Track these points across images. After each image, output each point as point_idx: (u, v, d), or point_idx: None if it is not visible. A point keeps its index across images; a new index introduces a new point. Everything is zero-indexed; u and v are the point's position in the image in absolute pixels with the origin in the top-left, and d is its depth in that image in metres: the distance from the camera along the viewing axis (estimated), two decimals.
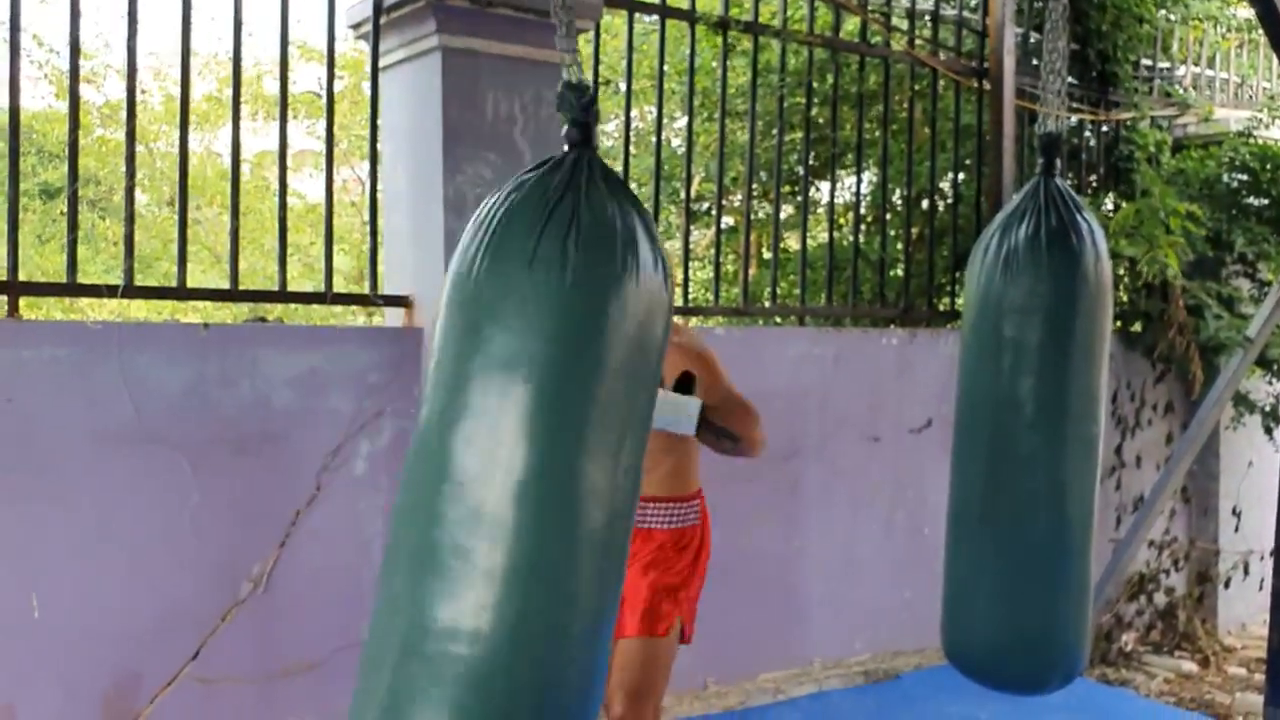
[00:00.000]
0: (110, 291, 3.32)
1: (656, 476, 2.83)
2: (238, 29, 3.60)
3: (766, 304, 5.32)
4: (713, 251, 5.23)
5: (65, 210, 3.67)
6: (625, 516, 1.94)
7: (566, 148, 1.98)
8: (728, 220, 6.68)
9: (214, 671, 3.38)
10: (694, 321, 5.03)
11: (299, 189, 9.86)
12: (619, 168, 5.76)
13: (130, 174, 3.40)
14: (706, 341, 2.99)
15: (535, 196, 1.90)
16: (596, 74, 4.39)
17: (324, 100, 3.98)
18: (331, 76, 3.85)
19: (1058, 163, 2.93)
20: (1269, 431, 5.77)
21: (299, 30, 11.83)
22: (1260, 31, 4.86)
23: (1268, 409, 5.79)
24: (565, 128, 1.99)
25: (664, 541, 2.90)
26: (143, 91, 8.88)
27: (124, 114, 3.50)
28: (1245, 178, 5.81)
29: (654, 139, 4.68)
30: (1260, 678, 4.94)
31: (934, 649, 4.81)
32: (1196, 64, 6.41)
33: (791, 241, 6.42)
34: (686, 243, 4.75)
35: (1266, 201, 5.78)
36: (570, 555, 1.87)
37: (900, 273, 5.51)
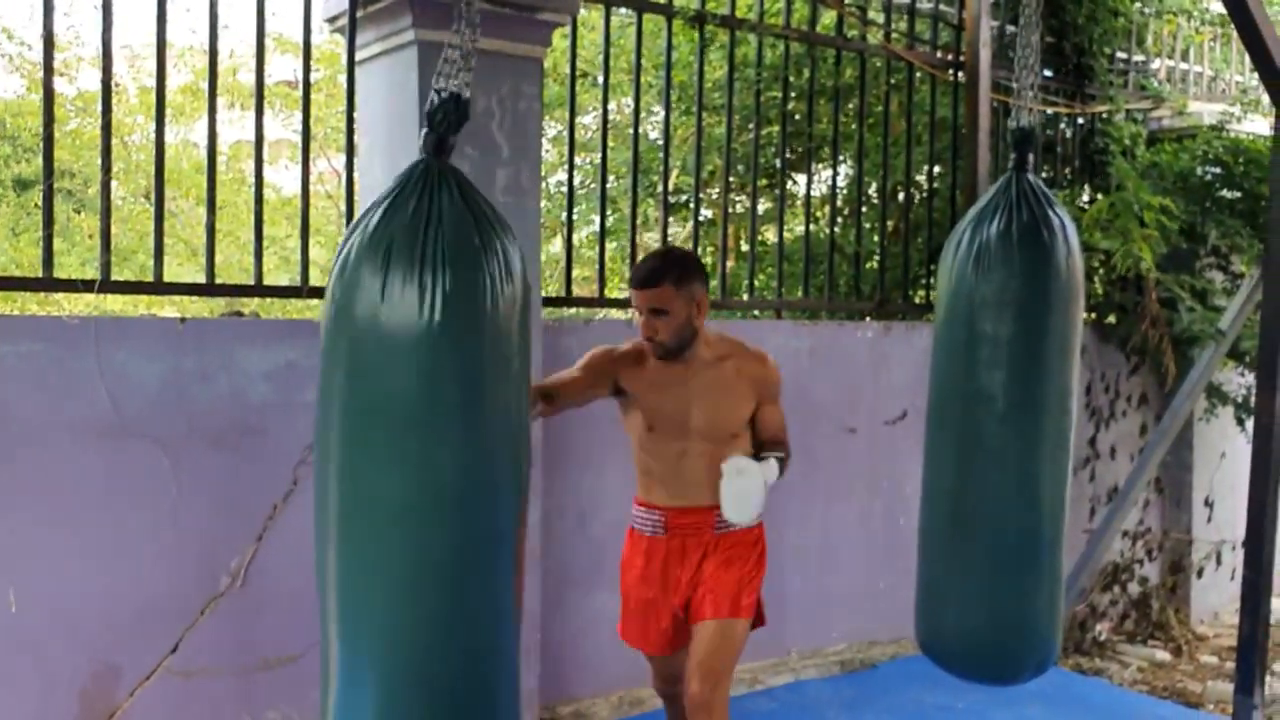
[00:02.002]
0: (87, 286, 3.31)
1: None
2: (213, 20, 3.58)
3: (744, 297, 5.35)
4: (691, 245, 5.25)
5: (40, 203, 3.66)
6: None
7: (423, 155, 2.09)
8: (705, 214, 6.69)
9: (193, 664, 3.38)
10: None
11: (274, 181, 9.83)
12: (597, 160, 5.77)
13: (106, 169, 3.39)
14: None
15: (390, 229, 1.99)
16: (574, 68, 4.40)
17: (299, 92, 3.97)
18: (307, 69, 3.84)
19: (1030, 157, 2.96)
20: (1241, 423, 5.83)
21: (274, 23, 11.79)
22: (1233, 25, 4.92)
23: (1240, 400, 5.85)
24: (424, 134, 2.08)
25: (740, 539, 3.14)
26: (117, 84, 8.81)
27: (98, 106, 3.49)
28: (1218, 171, 5.86)
29: (631, 132, 4.69)
30: (1231, 666, 5.00)
31: (910, 639, 4.83)
32: (1171, 57, 6.46)
33: (769, 235, 6.44)
34: (665, 236, 4.76)
35: (1239, 194, 5.83)
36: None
37: (876, 266, 5.53)
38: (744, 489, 2.84)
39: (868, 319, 5.26)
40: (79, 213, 8.97)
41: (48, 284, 3.33)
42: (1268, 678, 4.57)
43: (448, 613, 2.03)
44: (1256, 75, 5.86)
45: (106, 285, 3.33)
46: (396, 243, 1.95)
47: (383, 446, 1.98)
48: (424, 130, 2.08)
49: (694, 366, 3.05)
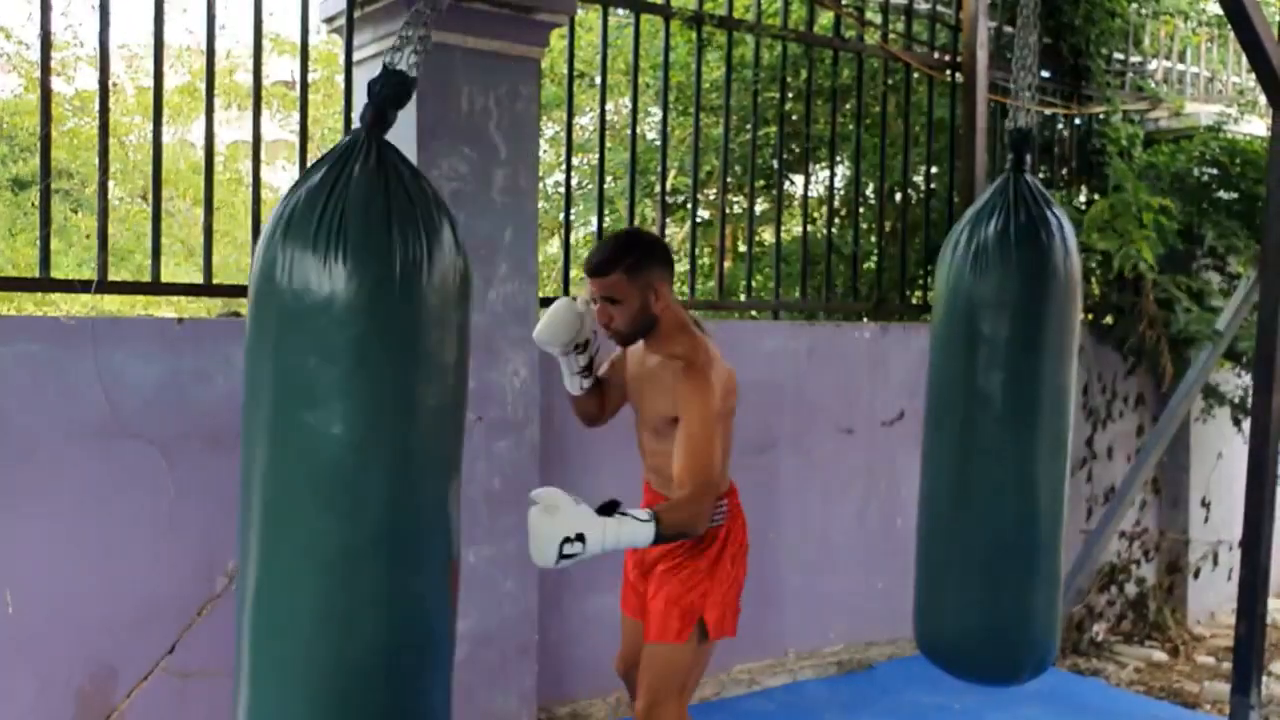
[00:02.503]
0: (84, 286, 3.31)
1: (668, 480, 2.84)
2: (210, 20, 3.58)
3: (742, 298, 5.34)
4: (688, 245, 5.25)
5: (36, 203, 3.65)
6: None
7: (362, 128, 2.04)
8: (703, 214, 6.70)
9: (190, 665, 3.38)
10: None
11: (271, 182, 9.83)
12: (594, 160, 5.76)
13: (103, 169, 3.39)
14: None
15: (311, 200, 1.96)
16: (571, 68, 4.40)
17: (297, 93, 3.97)
18: (305, 69, 3.84)
19: (1028, 158, 2.97)
20: (1238, 423, 5.83)
21: (271, 23, 11.77)
22: (1230, 27, 4.93)
23: (1236, 401, 5.86)
24: (365, 107, 2.04)
25: (690, 545, 2.89)
26: (114, 84, 8.81)
27: (95, 105, 3.48)
28: (1215, 172, 5.87)
29: (629, 133, 4.69)
30: (1228, 666, 5.00)
31: (907, 639, 4.86)
32: (1168, 58, 6.47)
33: (766, 235, 6.44)
34: (662, 236, 4.76)
35: (1236, 195, 5.84)
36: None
37: (873, 266, 5.54)
38: (541, 532, 2.40)
39: (865, 320, 5.26)
40: (76, 212, 8.96)
41: (45, 284, 3.32)
42: (1264, 678, 4.58)
43: (349, 604, 2.00)
44: (1253, 76, 5.88)
45: (104, 286, 3.32)
46: (311, 215, 1.93)
47: (297, 426, 1.95)
48: (365, 103, 2.05)
49: (651, 355, 2.90)
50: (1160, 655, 5.77)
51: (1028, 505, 2.90)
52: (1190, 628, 6.17)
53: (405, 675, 2.04)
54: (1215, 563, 6.29)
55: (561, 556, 2.39)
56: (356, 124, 2.11)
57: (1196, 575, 6.25)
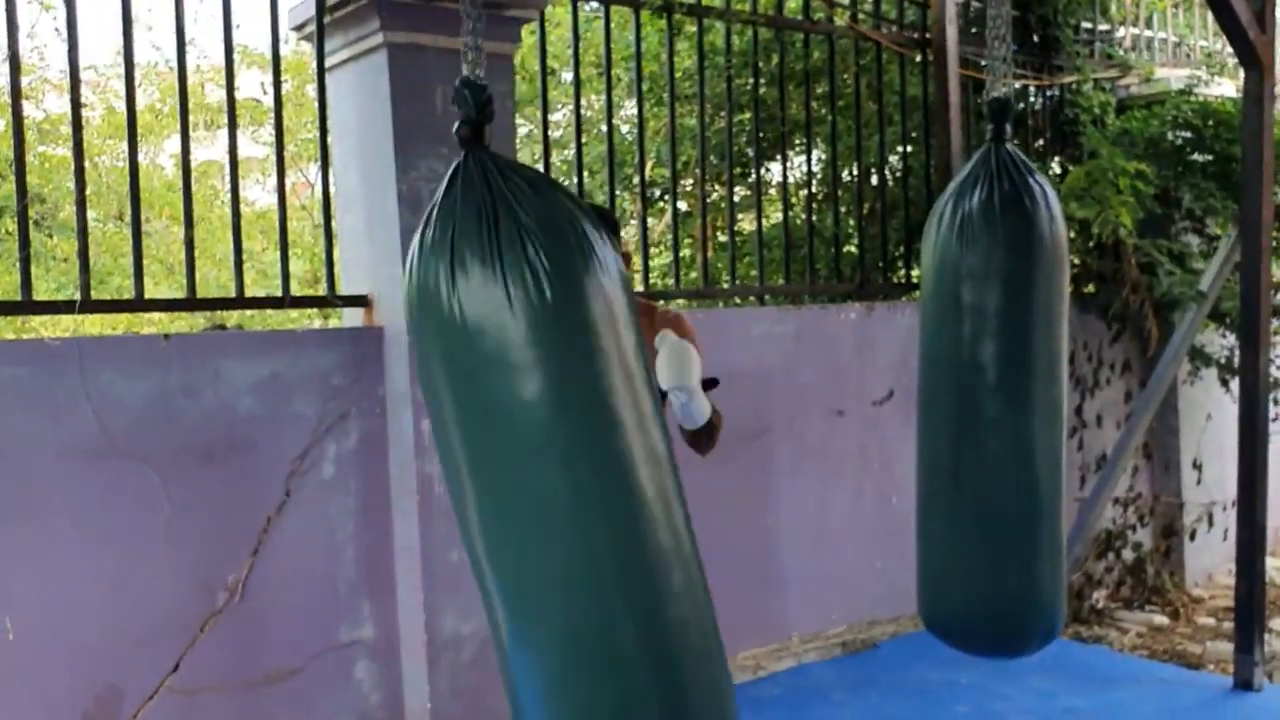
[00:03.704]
0: (68, 307, 3.29)
1: None
2: (180, 36, 3.56)
3: (726, 285, 5.34)
4: (670, 236, 5.24)
5: (11, 229, 3.62)
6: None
7: (461, 148, 1.97)
8: (682, 204, 6.69)
9: (195, 683, 3.36)
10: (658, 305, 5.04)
11: (245, 196, 9.77)
12: (570, 156, 5.75)
13: (80, 189, 3.36)
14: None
15: (469, 219, 1.87)
16: (544, 64, 4.39)
17: (271, 104, 3.95)
18: (278, 79, 3.82)
19: (1007, 128, 2.96)
20: (1225, 384, 5.85)
21: (238, 35, 11.68)
22: None
23: (1223, 361, 5.88)
24: (458, 126, 1.97)
25: None
26: (84, 105, 8.76)
27: (65, 128, 3.45)
28: (1189, 135, 5.89)
29: (604, 127, 4.68)
30: (1229, 625, 5.03)
31: (909, 617, 4.87)
32: (1135, 25, 6.49)
33: (747, 223, 6.44)
34: (644, 229, 4.75)
35: (1211, 157, 5.86)
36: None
37: (855, 248, 5.54)
38: (677, 349, 2.58)
39: (849, 301, 5.26)
40: (50, 237, 8.89)
41: (27, 307, 3.30)
42: (1266, 635, 4.60)
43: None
44: (1220, 39, 5.90)
45: (88, 305, 3.30)
46: (465, 234, 1.85)
47: (509, 451, 1.87)
48: (466, 119, 1.99)
49: None
50: (1161, 619, 5.80)
51: (1027, 474, 2.89)
52: (1189, 590, 6.20)
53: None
54: (1210, 524, 6.32)
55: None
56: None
57: (1192, 537, 6.28)
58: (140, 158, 9.51)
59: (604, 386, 1.86)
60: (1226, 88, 6.16)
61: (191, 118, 3.63)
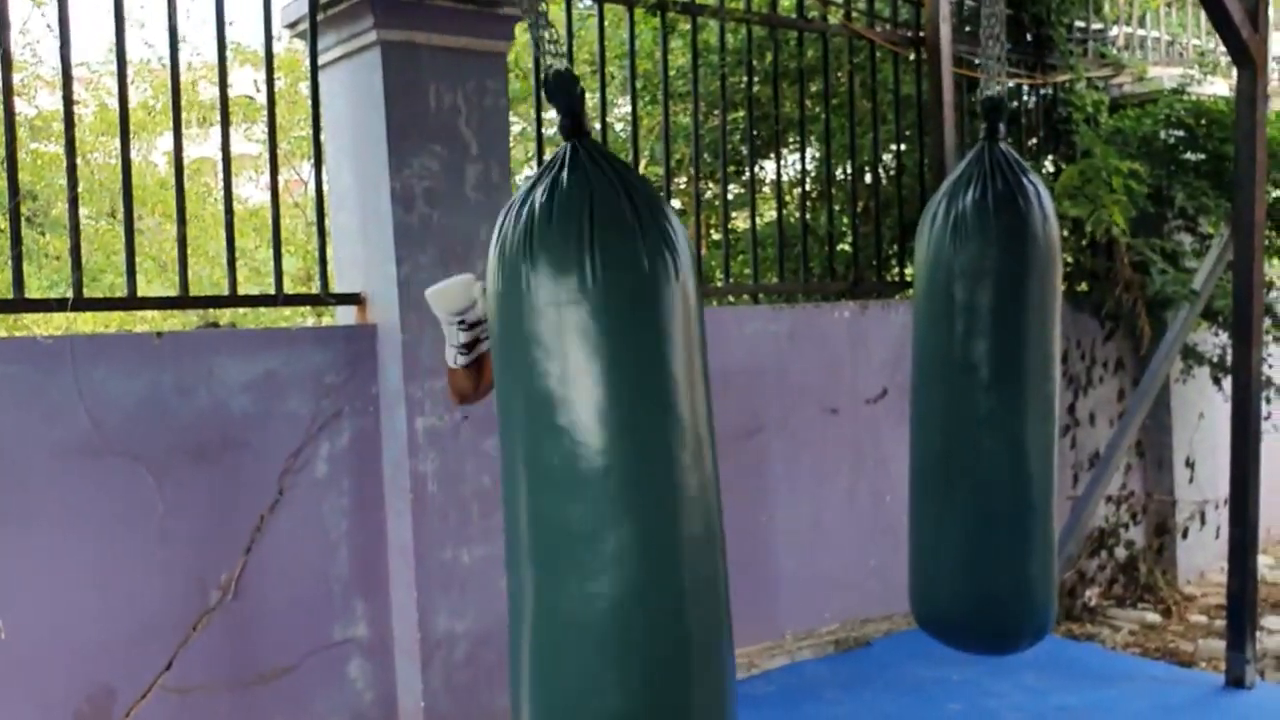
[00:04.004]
0: (61, 305, 3.28)
1: None
2: (173, 34, 3.55)
3: (720, 284, 5.34)
4: None
5: (3, 226, 3.60)
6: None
7: (565, 140, 1.99)
8: (676, 202, 6.69)
9: (188, 681, 3.36)
10: None
11: (238, 193, 9.75)
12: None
13: (72, 186, 3.36)
14: None
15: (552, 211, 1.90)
16: (538, 62, 4.38)
17: (264, 101, 3.94)
18: (271, 77, 3.81)
19: (1001, 126, 2.97)
20: (1217, 382, 5.87)
21: (231, 32, 11.66)
22: None
23: (1215, 360, 5.89)
24: (561, 118, 1.99)
25: None
26: (76, 102, 8.73)
27: (57, 125, 3.45)
28: (1181, 134, 5.89)
29: (597, 125, 4.68)
30: (1221, 624, 5.04)
31: (902, 615, 4.87)
32: (1128, 24, 6.49)
33: (740, 221, 6.44)
34: None
35: (1203, 156, 5.87)
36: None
37: (849, 246, 5.54)
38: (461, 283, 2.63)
39: (843, 299, 5.26)
40: (43, 235, 8.87)
41: (20, 305, 3.29)
42: (1258, 633, 4.61)
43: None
44: (1213, 38, 5.91)
45: (80, 303, 3.29)
46: (557, 224, 1.88)
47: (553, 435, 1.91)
48: (568, 110, 2.00)
49: None
50: (1153, 616, 5.81)
51: (1019, 471, 2.90)
52: (1181, 588, 6.22)
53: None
54: (1202, 522, 6.33)
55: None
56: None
57: (1185, 535, 6.29)
58: (133, 155, 9.50)
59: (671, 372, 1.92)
60: (1219, 87, 6.17)
61: (184, 115, 3.62)
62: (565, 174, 1.92)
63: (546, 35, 2.06)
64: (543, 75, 2.04)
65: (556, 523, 1.93)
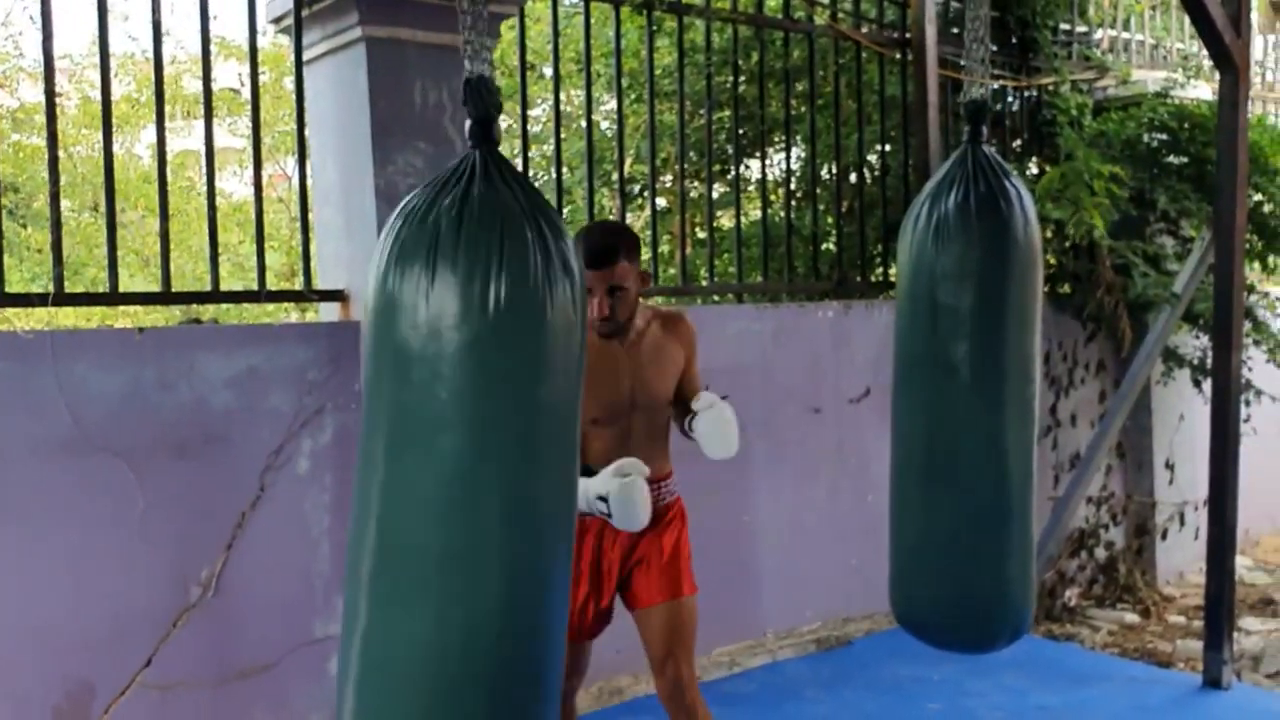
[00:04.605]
0: (41, 300, 3.26)
1: (664, 458, 3.06)
2: (157, 28, 3.54)
3: (704, 283, 5.35)
4: (648, 233, 5.25)
5: None
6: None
7: (471, 145, 1.96)
8: (661, 202, 6.70)
9: (168, 678, 3.35)
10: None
11: (221, 188, 9.73)
12: (549, 151, 5.75)
13: (54, 181, 3.34)
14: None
15: (449, 220, 1.86)
16: (523, 59, 4.38)
17: (248, 96, 3.93)
18: (255, 72, 3.80)
19: (984, 130, 2.98)
20: (1198, 384, 5.90)
21: (215, 26, 11.62)
22: None
23: (1195, 363, 5.93)
24: (469, 125, 1.96)
25: (672, 511, 3.10)
26: (59, 94, 8.69)
27: (39, 117, 3.43)
28: (1165, 137, 5.92)
29: (583, 123, 4.68)
30: (1199, 624, 5.07)
31: (883, 614, 4.89)
32: (1113, 27, 6.52)
33: (725, 220, 6.45)
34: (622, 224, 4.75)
35: (1186, 160, 5.90)
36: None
37: (833, 246, 5.56)
38: (729, 419, 2.88)
39: (827, 299, 5.28)
40: (24, 228, 8.83)
41: (1, 300, 3.27)
42: (1235, 634, 4.65)
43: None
44: (1196, 42, 5.94)
45: (61, 298, 3.27)
46: (443, 237, 1.83)
47: (427, 458, 1.87)
48: (478, 118, 1.96)
49: (631, 340, 2.96)
50: (1132, 617, 5.85)
51: (999, 472, 2.92)
52: (1160, 589, 6.25)
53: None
54: (1181, 523, 6.37)
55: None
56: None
57: (1164, 537, 6.33)
58: (116, 148, 9.46)
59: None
60: (1203, 90, 6.20)
61: (168, 108, 3.60)
62: (474, 187, 1.87)
63: (474, 36, 2.03)
64: (464, 77, 2.00)
65: (414, 547, 1.89)
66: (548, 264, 1.87)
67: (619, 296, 2.84)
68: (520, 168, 4.52)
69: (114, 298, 3.47)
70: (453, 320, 1.83)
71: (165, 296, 3.57)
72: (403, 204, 1.94)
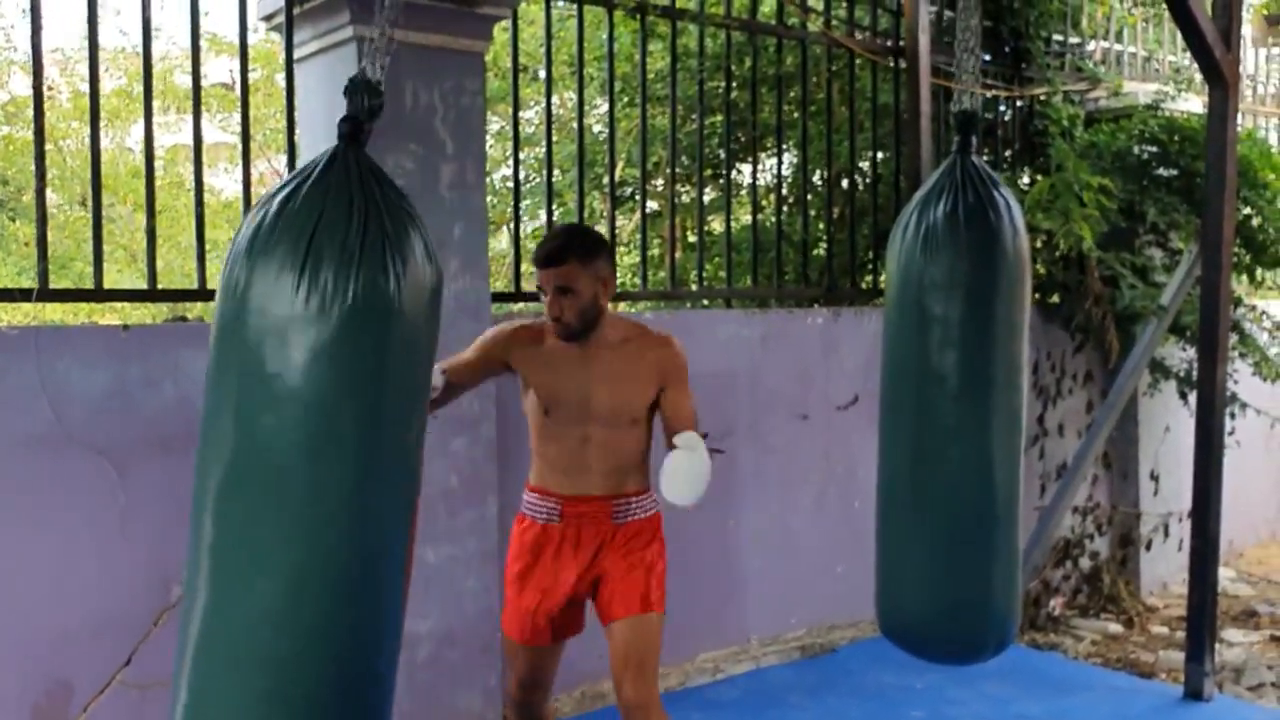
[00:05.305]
0: (25, 295, 3.25)
1: (632, 476, 3.04)
2: (146, 23, 3.52)
3: (694, 287, 5.35)
4: (639, 236, 5.24)
5: None
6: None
7: (340, 141, 1.95)
8: (652, 205, 6.69)
9: (147, 677, 3.33)
10: (622, 306, 5.04)
11: (212, 185, 9.69)
12: (540, 154, 5.74)
13: (40, 174, 3.32)
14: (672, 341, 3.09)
15: (291, 217, 1.86)
16: (516, 62, 4.38)
17: (236, 93, 3.92)
18: (245, 69, 3.79)
19: (974, 140, 2.98)
20: (1184, 396, 5.92)
21: (207, 22, 11.60)
22: (1165, 6, 5.01)
23: (1182, 374, 5.94)
24: (341, 121, 1.96)
25: (641, 529, 3.05)
26: (49, 87, 8.65)
27: (29, 111, 3.42)
28: (1155, 149, 5.94)
29: (575, 125, 4.68)
30: (1182, 635, 5.08)
31: (868, 622, 4.89)
32: (1105, 39, 6.54)
33: (716, 225, 6.45)
34: (612, 229, 4.75)
35: (1176, 172, 5.92)
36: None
37: (823, 253, 5.56)
38: (696, 467, 2.79)
39: (816, 305, 5.28)
40: (14, 220, 8.80)
41: None
42: (1217, 645, 4.66)
43: (325, 632, 1.90)
44: (1188, 55, 5.95)
45: (45, 294, 3.26)
46: (285, 232, 1.83)
47: (254, 438, 1.86)
48: (341, 117, 1.98)
49: (596, 349, 2.95)
50: (1116, 627, 5.86)
51: (985, 482, 2.91)
52: (1144, 599, 6.27)
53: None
54: (1166, 535, 6.38)
55: None
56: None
57: (1148, 547, 6.34)
58: (107, 142, 9.41)
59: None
60: (1194, 104, 6.23)
61: (161, 103, 3.59)
62: (341, 180, 1.88)
63: (378, 36, 2.04)
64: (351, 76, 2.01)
65: (243, 533, 1.88)
66: (402, 261, 1.86)
67: (569, 298, 2.86)
68: (511, 170, 4.52)
69: (99, 294, 3.45)
70: (289, 313, 1.82)
71: (151, 294, 3.55)
72: (264, 197, 1.93)
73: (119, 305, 7.25)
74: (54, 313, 6.63)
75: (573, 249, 2.88)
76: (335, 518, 1.87)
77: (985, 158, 5.81)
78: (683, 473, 2.79)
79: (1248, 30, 7.45)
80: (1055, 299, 5.99)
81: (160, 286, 3.61)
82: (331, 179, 1.88)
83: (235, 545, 1.89)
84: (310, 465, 1.85)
